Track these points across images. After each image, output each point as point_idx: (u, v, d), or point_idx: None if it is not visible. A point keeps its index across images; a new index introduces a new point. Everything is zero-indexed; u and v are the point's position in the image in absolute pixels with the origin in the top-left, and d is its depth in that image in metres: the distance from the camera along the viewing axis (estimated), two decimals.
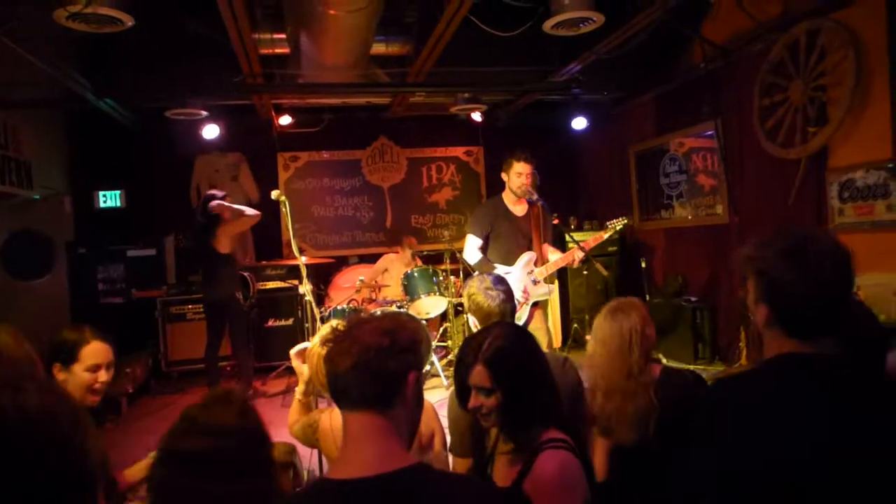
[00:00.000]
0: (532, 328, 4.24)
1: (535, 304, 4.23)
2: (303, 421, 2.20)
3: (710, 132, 5.75)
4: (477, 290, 2.47)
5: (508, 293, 2.49)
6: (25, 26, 4.11)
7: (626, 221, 4.64)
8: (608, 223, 4.60)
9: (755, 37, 4.91)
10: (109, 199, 7.08)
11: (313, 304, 3.34)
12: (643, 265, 6.75)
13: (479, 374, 1.68)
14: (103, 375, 2.12)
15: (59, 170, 6.58)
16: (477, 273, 2.61)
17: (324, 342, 2.08)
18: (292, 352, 2.28)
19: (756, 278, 1.29)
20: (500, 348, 1.69)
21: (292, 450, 2.82)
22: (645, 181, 6.94)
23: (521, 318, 4.16)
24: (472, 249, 4.34)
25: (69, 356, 2.06)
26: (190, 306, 6.40)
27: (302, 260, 3.36)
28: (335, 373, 1.25)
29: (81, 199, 6.91)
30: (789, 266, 1.23)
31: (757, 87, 4.93)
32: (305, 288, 3.33)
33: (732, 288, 5.46)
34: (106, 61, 5.27)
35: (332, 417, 2.08)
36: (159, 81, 5.42)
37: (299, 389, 2.26)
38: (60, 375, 2.05)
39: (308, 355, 2.19)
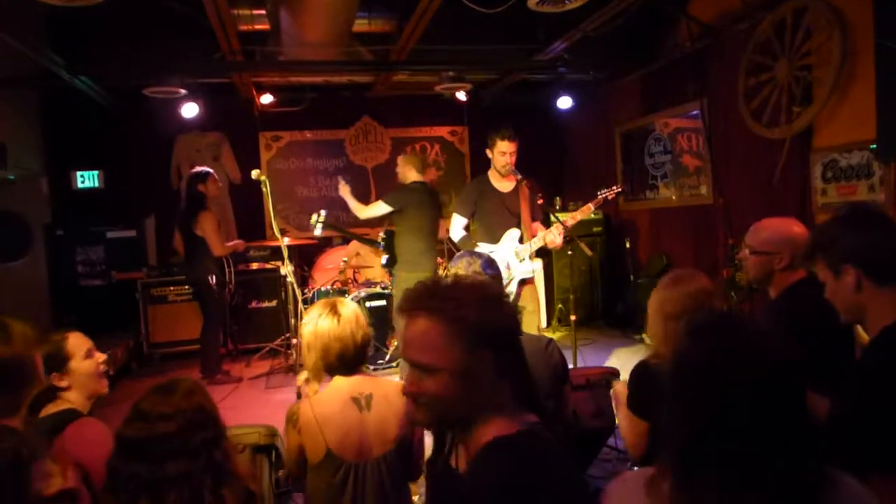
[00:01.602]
0: (521, 310, 4.23)
1: (522, 283, 4.21)
2: (286, 425, 2.07)
3: (695, 112, 5.73)
4: (465, 272, 2.43)
5: (497, 277, 2.46)
6: None
7: (619, 189, 4.50)
8: (599, 193, 4.39)
9: (742, 15, 4.88)
10: (87, 179, 6.93)
11: (295, 286, 3.30)
12: (627, 245, 6.76)
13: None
14: (100, 356, 2.06)
15: (34, 150, 6.42)
16: (466, 252, 2.54)
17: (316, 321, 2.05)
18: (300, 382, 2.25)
19: (835, 252, 1.55)
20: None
21: (274, 432, 2.79)
22: (630, 161, 6.92)
23: (508, 297, 4.15)
24: (457, 228, 4.34)
25: (59, 360, 1.95)
26: (172, 288, 6.32)
27: (284, 241, 3.30)
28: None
29: (58, 179, 6.76)
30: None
31: (743, 66, 4.90)
32: (287, 269, 3.28)
33: (717, 268, 5.49)
34: (81, 38, 5.11)
35: (313, 406, 1.98)
36: (136, 58, 5.28)
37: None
38: (64, 381, 1.96)
39: (305, 339, 2.09)
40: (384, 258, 5.25)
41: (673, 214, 6.36)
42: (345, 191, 5.09)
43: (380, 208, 4.91)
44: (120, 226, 6.70)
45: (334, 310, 2.07)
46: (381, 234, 5.38)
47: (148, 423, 1.42)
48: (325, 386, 2.10)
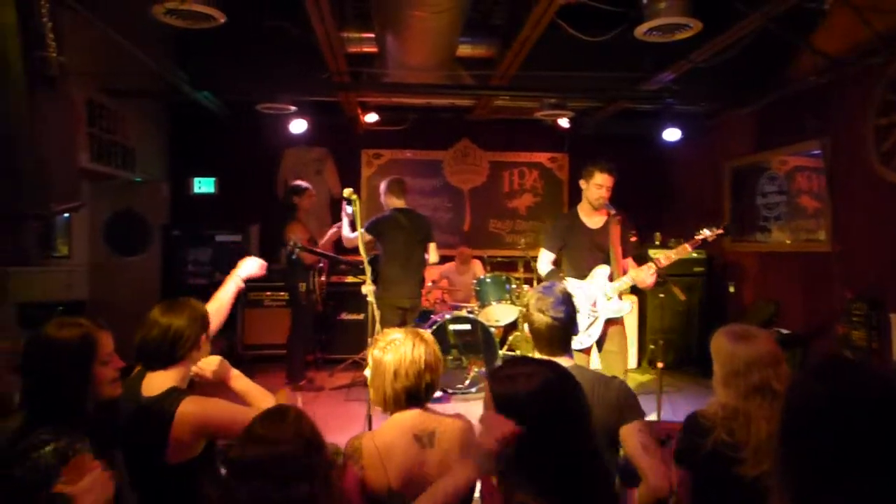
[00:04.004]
0: (605, 350, 4.04)
1: (610, 322, 4.03)
2: (343, 453, 2.04)
3: (816, 151, 5.29)
4: (534, 308, 2.33)
5: (571, 315, 2.34)
6: (130, 20, 4.35)
7: (721, 231, 4.07)
8: (696, 233, 4.05)
9: (873, 49, 4.46)
10: (203, 185, 7.44)
11: (374, 306, 3.33)
12: (731, 290, 6.32)
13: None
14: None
15: (159, 156, 6.98)
16: (542, 287, 2.43)
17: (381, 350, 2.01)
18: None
19: None
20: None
21: (337, 451, 2.81)
22: (740, 199, 6.50)
23: (592, 335, 3.98)
24: (544, 263, 4.22)
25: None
26: (268, 293, 6.61)
27: (367, 260, 3.35)
28: None
29: (178, 184, 7.29)
30: None
31: (873, 104, 4.47)
32: (368, 289, 3.32)
33: (831, 322, 5.00)
34: (203, 56, 5.51)
35: (374, 438, 1.92)
36: (251, 76, 5.61)
37: None
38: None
39: (384, 366, 2.01)
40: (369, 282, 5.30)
41: (784, 259, 5.88)
42: (346, 216, 5.19)
43: (360, 236, 4.95)
44: (228, 230, 7.11)
45: (418, 338, 2.01)
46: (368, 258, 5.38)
47: (268, 444, 1.45)
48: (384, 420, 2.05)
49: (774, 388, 1.88)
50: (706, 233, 4.05)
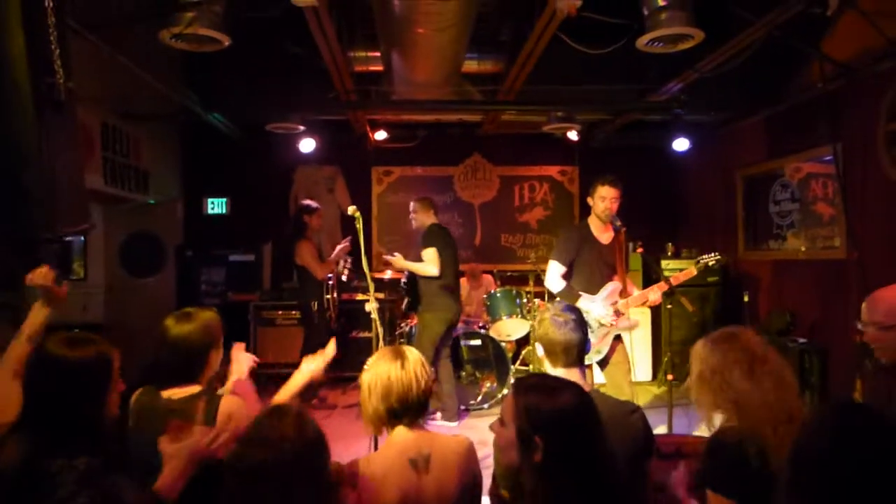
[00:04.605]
0: (613, 363, 4.01)
1: (618, 338, 4.01)
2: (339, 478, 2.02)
3: (828, 157, 5.22)
4: (549, 321, 2.28)
5: (585, 332, 2.28)
6: (141, 45, 4.45)
7: (718, 257, 4.28)
8: (700, 258, 4.28)
9: (884, 54, 4.41)
10: (217, 205, 7.53)
11: (377, 322, 3.35)
12: (746, 299, 6.23)
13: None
14: None
15: (172, 177, 7.08)
16: (556, 302, 2.40)
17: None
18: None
19: None
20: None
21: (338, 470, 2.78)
22: (753, 208, 6.43)
23: (601, 351, 3.95)
24: (554, 277, 4.14)
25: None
26: (280, 312, 6.65)
27: (370, 277, 3.37)
28: None
29: (191, 205, 7.39)
30: None
31: (884, 109, 4.42)
32: (371, 306, 3.33)
33: (848, 330, 4.90)
34: (213, 78, 5.61)
35: (370, 463, 1.88)
36: (261, 96, 5.70)
37: None
38: None
39: (365, 384, 2.02)
40: (406, 302, 5.33)
41: (800, 267, 5.79)
42: (400, 261, 5.13)
43: (435, 255, 4.95)
44: (241, 250, 7.18)
45: (399, 354, 2.01)
46: (403, 280, 5.36)
47: (271, 446, 1.40)
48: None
49: (755, 396, 1.80)
50: (708, 257, 4.26)
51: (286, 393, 2.40)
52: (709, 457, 1.93)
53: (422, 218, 5.16)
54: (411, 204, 5.28)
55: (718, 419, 1.90)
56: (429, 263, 4.96)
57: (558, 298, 4.00)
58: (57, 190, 2.94)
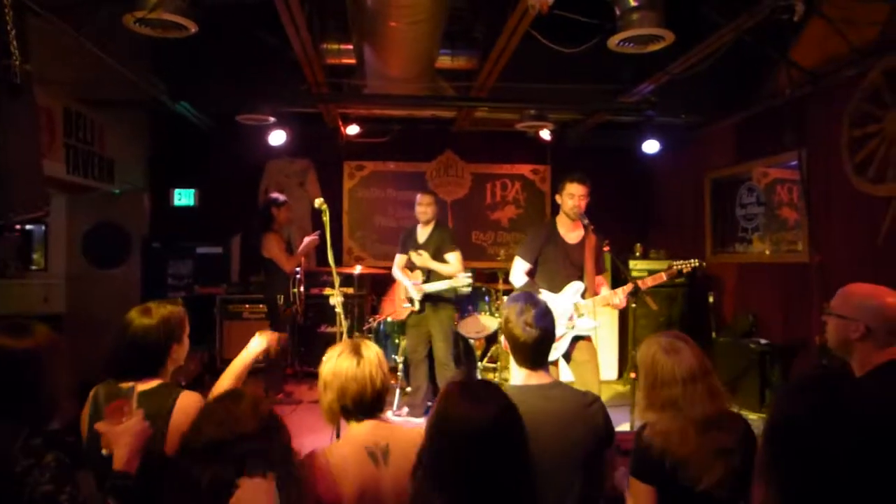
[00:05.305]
0: (577, 361, 4.02)
1: (578, 338, 4.03)
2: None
3: (793, 162, 5.33)
4: (515, 320, 2.26)
5: (550, 331, 2.27)
6: (107, 29, 4.32)
7: (695, 264, 4.28)
8: (674, 263, 4.29)
9: (849, 62, 4.50)
10: (184, 197, 7.39)
11: (341, 316, 3.32)
12: (711, 300, 6.33)
13: None
14: None
15: (139, 167, 6.94)
16: (523, 296, 2.36)
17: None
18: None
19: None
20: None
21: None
22: (720, 211, 6.53)
23: (558, 348, 3.95)
24: (518, 273, 4.18)
25: None
26: (247, 305, 6.56)
27: (335, 270, 3.33)
28: None
29: (158, 196, 7.23)
30: None
31: (847, 116, 4.51)
32: (336, 300, 3.30)
33: (810, 332, 5.01)
34: (182, 66, 5.48)
35: (328, 453, 1.86)
36: (230, 86, 5.59)
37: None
38: None
39: (322, 377, 2.04)
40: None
41: (764, 271, 5.90)
42: (427, 260, 5.06)
43: (460, 258, 5.13)
44: (209, 242, 7.06)
45: (356, 350, 2.00)
46: (469, 273, 5.26)
47: (226, 425, 1.41)
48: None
49: (680, 406, 1.94)
50: (682, 263, 4.27)
51: (231, 372, 2.47)
52: (633, 449, 2.07)
53: (433, 212, 5.16)
54: (425, 197, 5.20)
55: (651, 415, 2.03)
56: (454, 265, 5.02)
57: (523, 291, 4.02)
58: (13, 175, 2.85)
